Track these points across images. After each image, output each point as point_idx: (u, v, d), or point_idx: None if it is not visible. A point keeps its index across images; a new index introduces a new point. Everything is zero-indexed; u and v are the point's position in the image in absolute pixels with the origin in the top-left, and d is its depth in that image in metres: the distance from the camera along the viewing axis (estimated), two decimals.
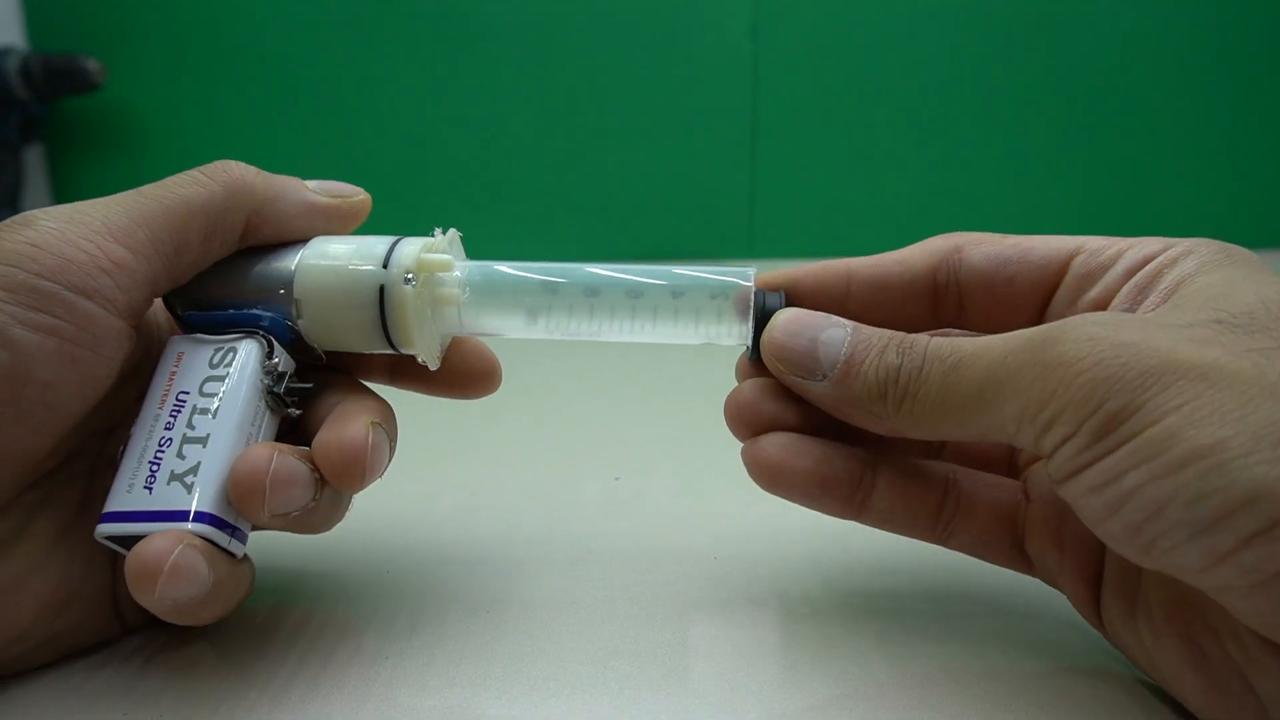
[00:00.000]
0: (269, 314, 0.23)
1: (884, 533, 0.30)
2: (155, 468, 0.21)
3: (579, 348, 0.64)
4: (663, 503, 0.34)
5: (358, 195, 0.25)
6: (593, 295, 0.24)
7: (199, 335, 0.23)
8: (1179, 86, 1.19)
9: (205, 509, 0.20)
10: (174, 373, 0.22)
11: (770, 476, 0.23)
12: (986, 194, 1.19)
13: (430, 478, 0.37)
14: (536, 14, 1.12)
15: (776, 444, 0.23)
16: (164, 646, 0.23)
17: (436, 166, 1.12)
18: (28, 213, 0.21)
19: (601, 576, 0.28)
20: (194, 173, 0.23)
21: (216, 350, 0.23)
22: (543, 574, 0.28)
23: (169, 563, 0.19)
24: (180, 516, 0.20)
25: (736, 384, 0.24)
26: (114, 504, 0.21)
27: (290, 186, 0.24)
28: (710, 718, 0.20)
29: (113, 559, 0.23)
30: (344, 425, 0.22)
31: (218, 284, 0.24)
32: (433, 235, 0.24)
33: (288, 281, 0.23)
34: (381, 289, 0.23)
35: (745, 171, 1.18)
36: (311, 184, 0.25)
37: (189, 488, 0.20)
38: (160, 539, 0.19)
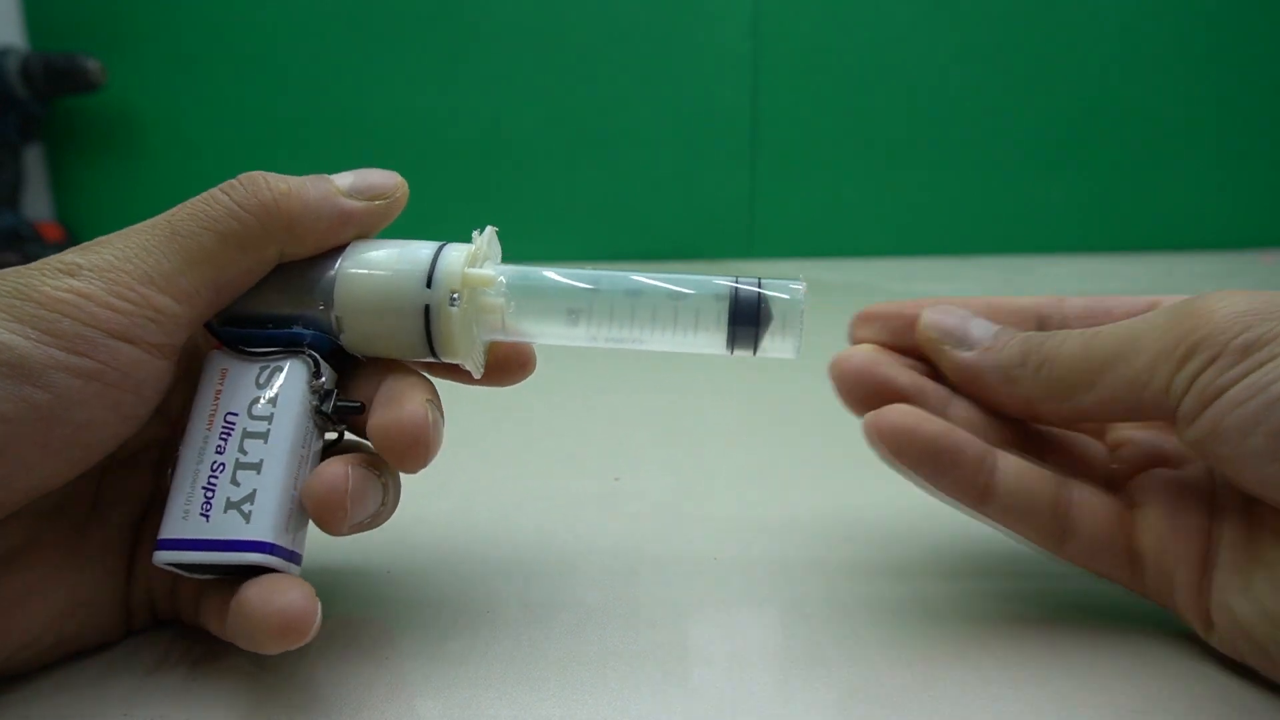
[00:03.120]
0: (310, 331, 0.23)
1: (886, 536, 0.30)
2: (210, 494, 0.21)
3: (579, 349, 0.64)
4: (663, 504, 0.34)
5: (394, 192, 0.24)
6: (634, 297, 0.23)
7: (243, 350, 0.22)
8: (1177, 91, 1.20)
9: (265, 539, 0.20)
10: (219, 390, 0.22)
11: (897, 442, 0.23)
12: (985, 194, 1.19)
13: (430, 478, 0.37)
14: (536, 14, 1.12)
15: (903, 411, 0.23)
16: (164, 648, 0.23)
17: (436, 167, 1.13)
18: (71, 256, 0.20)
19: (601, 578, 0.28)
20: (226, 200, 0.22)
21: (262, 369, 0.22)
22: (542, 575, 0.28)
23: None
24: (241, 546, 0.20)
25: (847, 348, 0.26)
26: (171, 531, 0.21)
27: (322, 197, 0.23)
28: (710, 718, 0.20)
29: (127, 566, 0.23)
30: (400, 406, 0.22)
31: (256, 301, 0.23)
32: (472, 239, 0.24)
33: (328, 296, 0.23)
34: (426, 308, 0.22)
35: (745, 171, 1.18)
36: (343, 181, 0.23)
37: (246, 517, 0.21)
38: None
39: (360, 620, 0.25)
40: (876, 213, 1.20)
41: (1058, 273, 1.01)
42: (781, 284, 0.24)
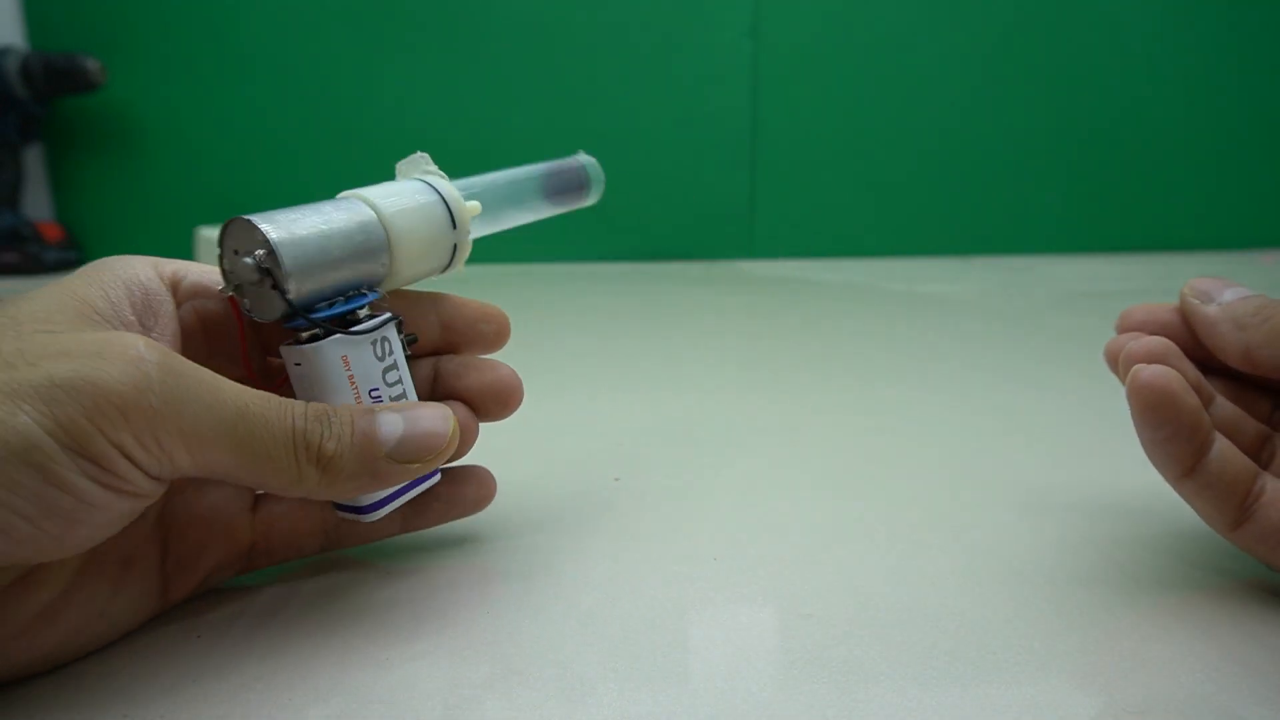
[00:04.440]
0: (372, 292, 0.25)
1: (885, 533, 0.30)
2: None
3: (579, 349, 0.64)
4: (662, 503, 0.34)
5: (439, 452, 0.24)
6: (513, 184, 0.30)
7: (349, 333, 0.24)
8: (1178, 91, 1.20)
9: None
10: (351, 376, 0.24)
11: (1159, 398, 0.24)
12: (985, 195, 1.19)
13: None
14: (537, 15, 1.12)
15: (1173, 376, 0.24)
16: (162, 648, 0.23)
17: (435, 162, 1.13)
18: (147, 362, 0.19)
19: (600, 577, 0.28)
20: (290, 423, 0.21)
21: (374, 343, 0.25)
22: (541, 575, 0.28)
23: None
24: (425, 479, 0.27)
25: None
26: (371, 497, 0.25)
27: (360, 462, 0.23)
28: (710, 718, 0.20)
29: (143, 584, 0.24)
30: (491, 367, 0.28)
31: (320, 280, 0.23)
32: (401, 173, 0.28)
33: (383, 248, 0.24)
34: (450, 213, 0.26)
35: (745, 172, 1.18)
36: (391, 434, 0.23)
37: None
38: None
39: (359, 620, 0.25)
40: (876, 213, 1.20)
41: (1057, 273, 1.01)
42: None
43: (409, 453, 0.23)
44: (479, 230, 0.28)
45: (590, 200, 0.33)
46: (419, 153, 0.27)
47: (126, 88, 1.10)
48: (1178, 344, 0.28)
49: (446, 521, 0.29)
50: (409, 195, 0.25)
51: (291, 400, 0.22)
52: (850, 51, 1.18)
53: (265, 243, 0.22)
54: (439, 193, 0.26)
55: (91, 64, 1.02)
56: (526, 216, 0.30)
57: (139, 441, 0.19)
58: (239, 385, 0.21)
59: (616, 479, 0.36)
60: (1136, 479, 0.27)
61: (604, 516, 0.33)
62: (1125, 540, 0.30)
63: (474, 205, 0.27)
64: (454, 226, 0.26)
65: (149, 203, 1.09)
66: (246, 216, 0.22)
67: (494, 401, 0.28)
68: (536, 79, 1.15)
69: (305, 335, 0.24)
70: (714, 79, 1.16)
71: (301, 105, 1.13)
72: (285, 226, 0.22)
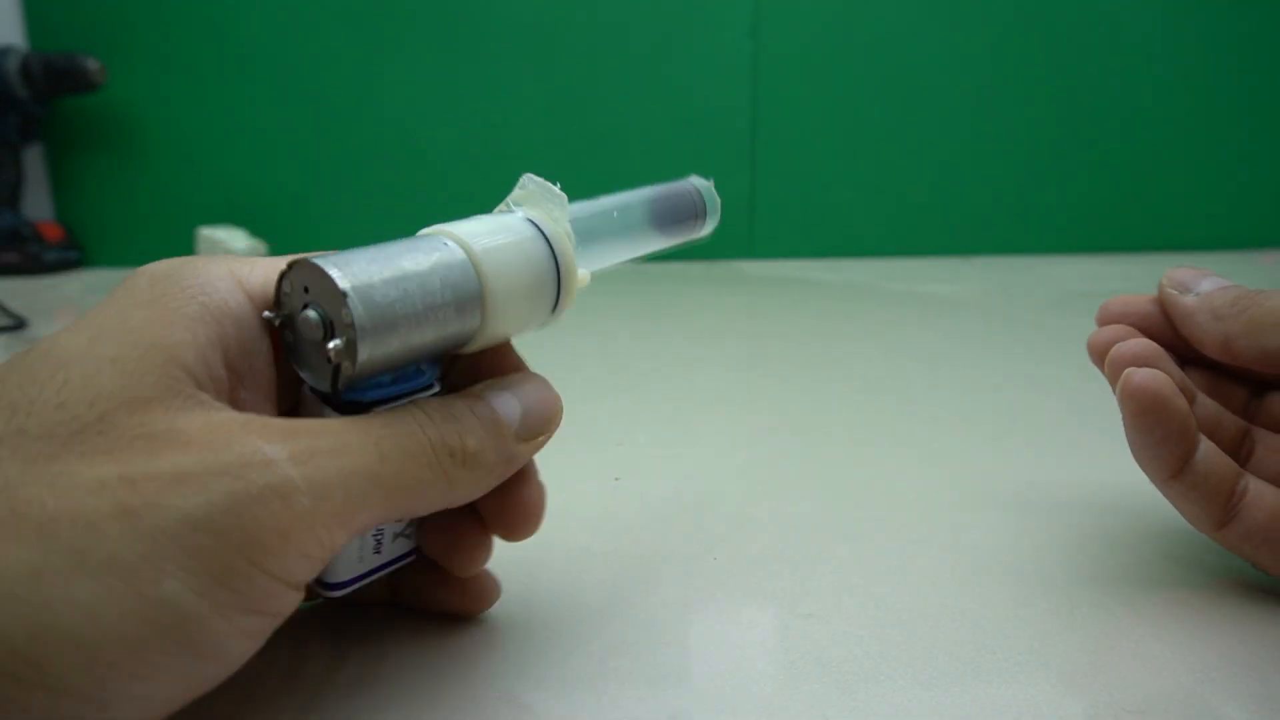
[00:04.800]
0: (431, 368, 0.21)
1: (884, 532, 0.30)
2: (380, 535, 0.22)
3: (579, 349, 0.64)
4: (662, 503, 0.34)
5: (555, 423, 0.22)
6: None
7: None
8: (1178, 91, 1.20)
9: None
10: None
11: (1150, 401, 0.25)
12: (985, 194, 1.19)
13: None
14: (536, 14, 1.12)
15: (1163, 380, 0.25)
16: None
17: (435, 166, 1.13)
18: (280, 456, 0.16)
19: (601, 577, 0.28)
20: (428, 450, 0.19)
21: None
22: (542, 574, 0.28)
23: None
24: (406, 556, 0.24)
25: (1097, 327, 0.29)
26: (347, 573, 0.21)
27: (497, 452, 0.20)
28: (710, 718, 0.20)
29: None
30: (525, 483, 0.23)
31: (382, 364, 0.19)
32: (520, 198, 0.22)
33: (476, 301, 0.20)
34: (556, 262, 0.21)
35: (745, 171, 1.18)
36: (511, 415, 0.21)
37: (410, 536, 0.23)
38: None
39: (359, 621, 0.25)
40: (876, 213, 1.20)
41: (1057, 273, 1.01)
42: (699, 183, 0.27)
43: (533, 427, 0.21)
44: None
45: (706, 231, 0.28)
46: (559, 188, 0.22)
47: (126, 88, 1.10)
48: (1156, 335, 0.28)
49: (436, 611, 0.25)
50: (521, 262, 0.21)
51: (406, 408, 0.19)
52: (850, 52, 1.18)
53: (348, 327, 0.17)
54: (556, 264, 0.21)
55: (91, 64, 1.02)
56: (631, 252, 0.25)
57: (304, 554, 0.16)
58: (355, 421, 0.18)
59: (617, 479, 0.36)
60: (1135, 477, 0.27)
61: (604, 517, 0.33)
62: (1123, 539, 0.30)
63: (584, 276, 0.22)
64: (553, 310, 0.22)
65: (149, 203, 1.09)
66: (327, 268, 0.17)
67: (513, 523, 0.23)
68: (536, 79, 1.15)
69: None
70: (714, 79, 1.16)
71: (302, 105, 1.13)
72: (371, 297, 0.18)
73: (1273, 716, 0.20)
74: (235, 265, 0.19)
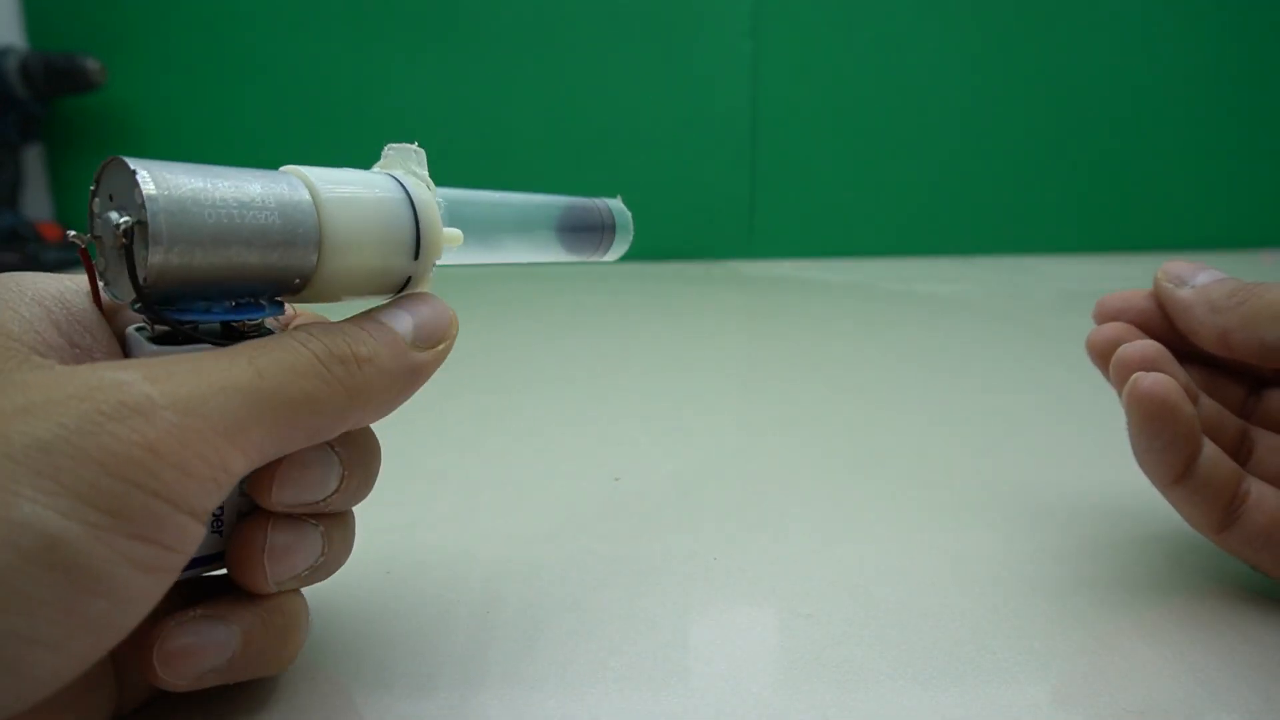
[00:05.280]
0: (274, 305, 0.19)
1: (883, 533, 0.30)
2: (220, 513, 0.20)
3: (578, 349, 0.64)
4: (662, 503, 0.34)
5: (450, 331, 0.21)
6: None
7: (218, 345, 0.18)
8: (1177, 91, 1.20)
9: None
10: None
11: (1158, 407, 0.24)
12: (985, 195, 1.19)
13: (429, 480, 0.37)
14: (536, 14, 1.12)
15: (1172, 386, 0.25)
16: None
17: (435, 166, 1.12)
18: (132, 378, 0.15)
19: (601, 577, 0.28)
20: (310, 352, 0.18)
21: None
22: (541, 575, 0.28)
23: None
24: None
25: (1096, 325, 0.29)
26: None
27: (396, 360, 0.19)
28: (710, 718, 0.20)
29: (98, 696, 0.19)
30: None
31: (192, 271, 0.17)
32: (388, 156, 0.22)
33: (313, 239, 0.19)
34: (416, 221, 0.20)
35: (745, 171, 1.18)
36: (403, 327, 0.20)
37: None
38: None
39: (359, 620, 0.25)
40: (876, 213, 1.20)
41: (1057, 272, 1.01)
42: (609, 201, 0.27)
43: (428, 336, 0.20)
44: (467, 257, 0.23)
45: (615, 254, 0.27)
46: (415, 146, 0.22)
47: (126, 88, 1.10)
48: (1153, 330, 0.28)
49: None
50: (370, 202, 0.20)
51: (283, 332, 0.18)
52: (850, 52, 1.17)
53: (140, 206, 0.16)
54: (414, 211, 0.21)
55: (91, 64, 1.02)
56: (531, 254, 0.25)
57: (188, 473, 0.15)
58: (219, 348, 0.17)
59: (617, 479, 0.36)
60: (1134, 479, 0.27)
61: (604, 517, 0.33)
62: (1123, 541, 0.30)
63: (454, 233, 0.22)
64: (415, 256, 0.21)
65: None
66: (129, 161, 0.17)
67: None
68: (536, 79, 1.15)
69: (156, 331, 0.19)
70: (714, 79, 1.16)
71: (301, 105, 1.13)
72: (169, 182, 0.17)
73: None
74: (66, 276, 0.20)
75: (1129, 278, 0.99)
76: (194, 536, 0.15)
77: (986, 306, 0.81)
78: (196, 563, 0.19)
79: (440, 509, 0.33)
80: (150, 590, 0.15)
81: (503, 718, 0.21)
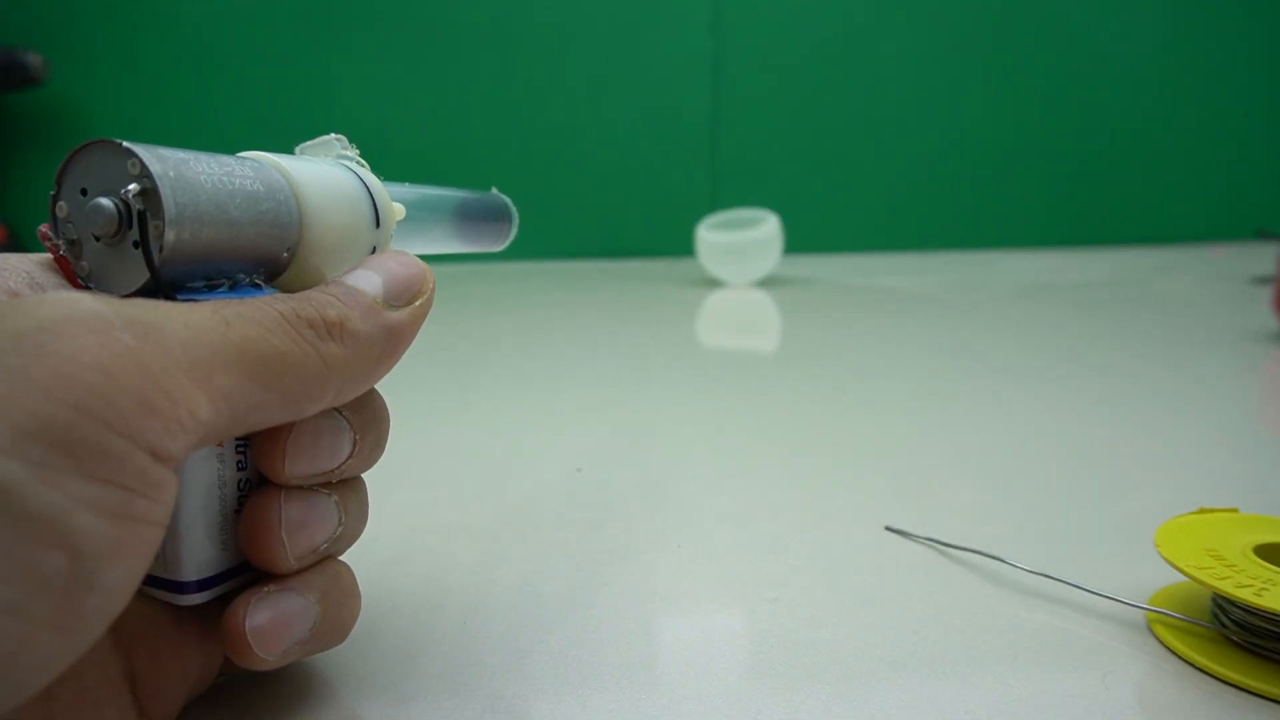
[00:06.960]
0: (268, 287, 0.19)
1: (855, 521, 0.30)
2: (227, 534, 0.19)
3: (537, 339, 0.64)
4: (624, 493, 0.33)
5: (425, 284, 0.20)
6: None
7: None
8: (1132, 93, 1.22)
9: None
10: None
11: None
12: (945, 191, 1.20)
13: (385, 470, 0.36)
14: (495, 10, 1.11)
15: None
16: None
17: (393, 163, 1.11)
18: (83, 300, 0.14)
19: (563, 567, 0.27)
20: (281, 320, 0.17)
21: None
22: (502, 566, 0.27)
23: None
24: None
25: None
26: (192, 573, 0.18)
27: (368, 321, 0.19)
28: (676, 705, 0.20)
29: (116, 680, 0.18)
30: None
31: (203, 249, 0.17)
32: (305, 151, 0.22)
33: (294, 230, 0.19)
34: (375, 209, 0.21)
35: (706, 166, 1.18)
36: (372, 287, 0.19)
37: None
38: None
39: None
40: (837, 208, 1.20)
41: (1015, 266, 1.03)
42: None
43: (400, 292, 0.19)
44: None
45: (505, 242, 0.27)
46: (332, 134, 0.22)
47: (71, 83, 1.07)
48: None
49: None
50: (327, 173, 0.20)
51: (254, 297, 0.17)
52: (810, 47, 1.18)
53: (142, 176, 0.16)
54: (363, 181, 0.21)
55: (33, 59, 0.99)
56: (432, 244, 0.25)
57: (144, 403, 0.13)
58: (186, 305, 0.16)
59: (579, 469, 0.36)
60: (1109, 466, 0.27)
61: (566, 507, 0.32)
62: (1103, 525, 0.30)
63: (398, 207, 0.22)
64: (377, 225, 0.21)
65: None
66: (119, 142, 0.16)
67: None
68: (495, 75, 1.14)
69: None
70: (674, 75, 1.16)
71: (251, 101, 1.11)
72: (170, 162, 0.16)
73: None
74: (36, 257, 0.19)
75: (1085, 271, 1.00)
76: (159, 480, 0.13)
77: (948, 299, 0.81)
78: (209, 582, 0.18)
79: (399, 500, 0.32)
80: (124, 542, 0.13)
81: (464, 709, 0.20)
